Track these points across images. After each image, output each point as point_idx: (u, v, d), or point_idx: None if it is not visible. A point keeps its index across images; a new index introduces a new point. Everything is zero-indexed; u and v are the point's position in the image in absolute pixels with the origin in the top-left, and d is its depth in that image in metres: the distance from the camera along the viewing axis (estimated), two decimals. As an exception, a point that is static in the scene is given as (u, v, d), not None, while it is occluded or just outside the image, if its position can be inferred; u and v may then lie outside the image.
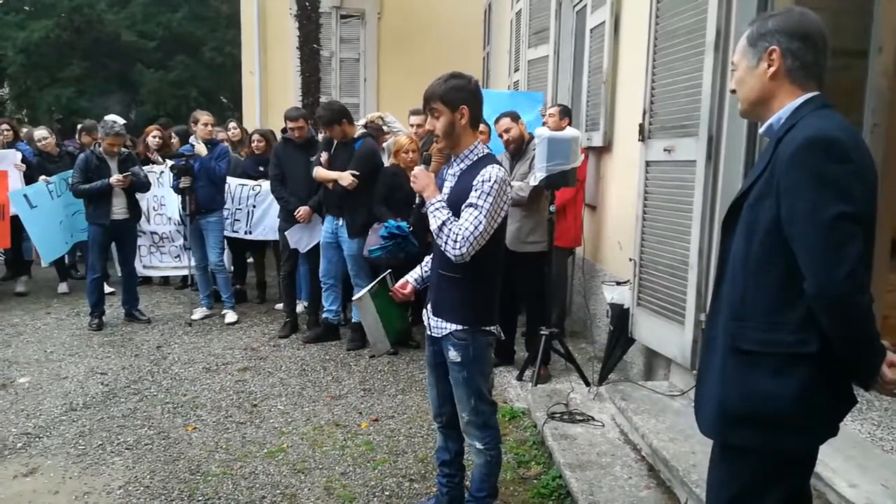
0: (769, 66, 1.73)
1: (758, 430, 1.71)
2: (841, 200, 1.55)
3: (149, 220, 7.18)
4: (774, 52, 1.72)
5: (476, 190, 2.50)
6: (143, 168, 6.41)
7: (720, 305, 1.83)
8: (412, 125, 5.91)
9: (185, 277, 7.33)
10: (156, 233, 7.27)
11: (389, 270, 3.16)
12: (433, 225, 2.57)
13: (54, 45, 17.68)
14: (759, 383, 1.69)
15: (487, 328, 2.68)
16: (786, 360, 1.67)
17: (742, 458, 1.76)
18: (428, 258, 2.91)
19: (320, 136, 5.77)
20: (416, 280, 2.94)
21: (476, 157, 2.62)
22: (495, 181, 2.50)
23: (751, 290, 1.72)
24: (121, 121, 5.99)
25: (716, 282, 1.91)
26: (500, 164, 2.61)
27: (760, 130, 1.83)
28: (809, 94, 1.72)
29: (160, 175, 7.09)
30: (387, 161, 5.56)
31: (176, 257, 7.33)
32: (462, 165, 2.64)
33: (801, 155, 1.59)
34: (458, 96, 2.56)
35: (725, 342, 1.77)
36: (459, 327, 2.64)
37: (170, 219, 7.17)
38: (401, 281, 2.98)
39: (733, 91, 1.87)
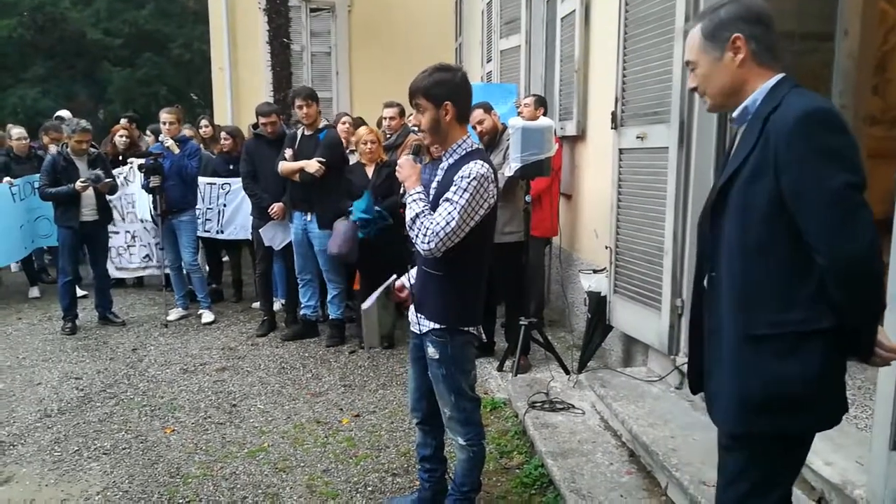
0: (735, 53, 1.72)
1: (781, 414, 1.69)
2: (846, 170, 1.56)
3: (124, 219, 7.07)
4: (739, 40, 1.71)
5: (454, 185, 2.46)
6: (114, 169, 6.31)
7: (718, 295, 1.78)
8: (385, 118, 5.88)
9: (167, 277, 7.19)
10: (129, 231, 7.16)
11: (394, 276, 3.10)
12: (408, 216, 2.54)
13: (17, 44, 17.34)
14: (777, 366, 1.67)
15: (466, 328, 2.66)
16: (799, 338, 1.65)
17: (762, 445, 1.74)
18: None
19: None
20: (413, 284, 2.84)
21: (463, 152, 2.57)
22: (473, 177, 2.44)
23: (755, 274, 1.69)
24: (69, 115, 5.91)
25: (702, 272, 1.87)
26: (487, 161, 2.55)
27: (734, 115, 1.80)
28: (779, 76, 1.73)
29: (128, 174, 6.97)
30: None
31: (145, 257, 7.23)
32: (450, 160, 2.59)
33: (801, 128, 1.58)
34: (442, 91, 2.49)
35: (734, 331, 1.73)
36: (438, 326, 2.62)
37: (141, 220, 7.04)
38: (398, 284, 2.92)
39: (694, 89, 1.85)
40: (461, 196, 2.43)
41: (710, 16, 1.76)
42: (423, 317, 2.66)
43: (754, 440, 1.75)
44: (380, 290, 2.97)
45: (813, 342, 1.65)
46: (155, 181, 5.89)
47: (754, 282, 1.69)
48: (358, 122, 6.49)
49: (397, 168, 2.68)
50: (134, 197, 7.00)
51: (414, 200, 2.54)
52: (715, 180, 1.92)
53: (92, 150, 5.98)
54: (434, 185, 2.64)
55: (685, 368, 3.48)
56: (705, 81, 1.79)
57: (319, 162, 5.12)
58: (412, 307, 2.73)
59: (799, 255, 1.63)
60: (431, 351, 2.64)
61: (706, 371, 1.87)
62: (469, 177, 2.44)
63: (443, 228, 2.43)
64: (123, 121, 7.97)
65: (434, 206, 2.54)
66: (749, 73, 1.74)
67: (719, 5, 1.76)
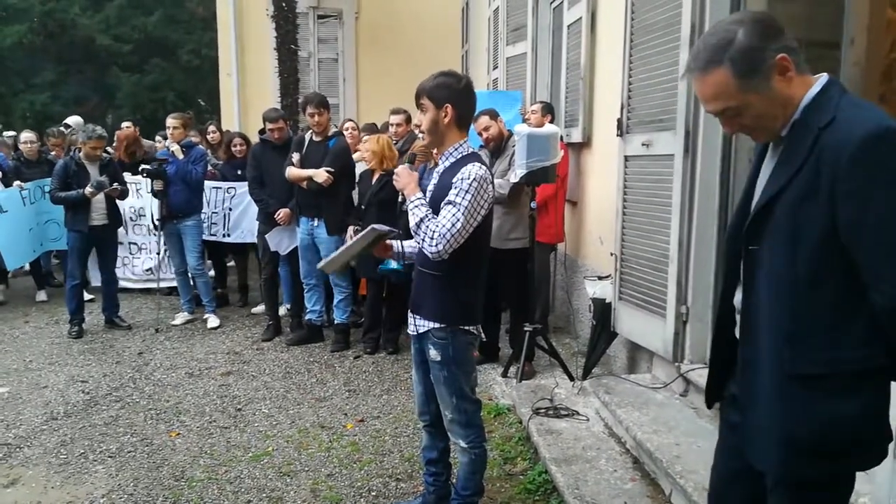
0: (784, 73, 1.54)
1: (837, 458, 1.55)
2: None
3: (127, 231, 7.10)
4: (785, 60, 1.53)
5: (455, 187, 2.50)
6: (124, 172, 6.37)
7: (757, 324, 1.62)
8: (392, 124, 5.90)
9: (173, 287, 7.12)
10: (134, 243, 7.20)
11: (399, 232, 3.01)
12: (412, 222, 2.57)
13: (27, 50, 17.50)
14: (833, 406, 1.52)
15: (467, 328, 2.68)
16: (854, 377, 1.52)
17: (814, 491, 1.59)
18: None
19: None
20: (399, 247, 2.82)
21: (459, 156, 2.61)
22: (474, 179, 2.49)
23: (805, 306, 1.53)
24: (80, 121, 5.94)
25: (730, 289, 1.75)
26: (485, 164, 2.59)
27: (784, 133, 1.59)
28: (823, 78, 1.58)
29: (138, 187, 7.01)
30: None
31: (147, 270, 7.24)
32: (445, 163, 2.64)
33: (866, 154, 1.40)
34: (444, 94, 2.55)
35: (778, 366, 1.56)
36: (438, 325, 2.64)
37: (150, 229, 7.07)
38: (387, 243, 2.84)
39: (736, 131, 1.65)
40: (464, 197, 2.48)
41: (728, 51, 1.52)
42: (419, 317, 2.69)
43: (805, 486, 1.59)
44: (390, 230, 2.78)
45: (868, 381, 1.52)
46: (157, 185, 5.93)
47: (805, 316, 1.53)
48: (372, 129, 6.50)
49: (394, 177, 2.70)
50: (143, 211, 7.05)
51: (416, 206, 2.58)
52: (744, 195, 1.76)
53: (105, 155, 6.04)
54: (430, 187, 2.67)
55: (690, 376, 3.51)
56: (760, 120, 1.58)
57: (328, 172, 5.14)
58: (409, 310, 2.75)
59: (855, 289, 1.48)
60: (433, 353, 2.65)
61: (742, 404, 1.70)
62: (469, 178, 2.49)
63: (449, 230, 2.46)
64: (126, 124, 8.02)
65: (432, 208, 2.57)
66: (796, 86, 1.56)
67: (727, 35, 1.54)
